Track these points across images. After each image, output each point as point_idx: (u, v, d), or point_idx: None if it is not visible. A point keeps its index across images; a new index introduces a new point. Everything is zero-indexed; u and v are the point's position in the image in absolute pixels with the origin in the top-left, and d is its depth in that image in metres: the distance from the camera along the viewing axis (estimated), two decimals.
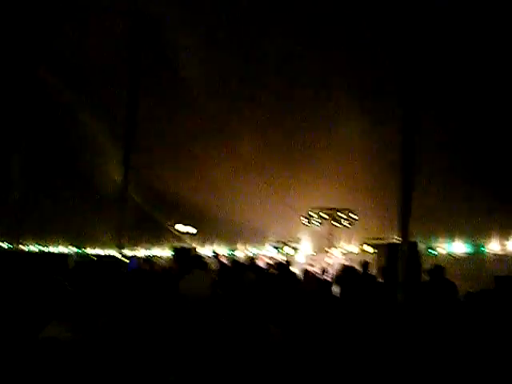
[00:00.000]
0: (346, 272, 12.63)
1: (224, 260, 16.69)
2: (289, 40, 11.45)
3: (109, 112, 15.70)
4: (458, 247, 16.26)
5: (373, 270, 12.88)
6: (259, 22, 11.26)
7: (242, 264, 13.71)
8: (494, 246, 15.47)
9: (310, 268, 16.19)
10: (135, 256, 26.79)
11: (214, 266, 12.63)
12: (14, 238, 19.17)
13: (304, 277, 12.58)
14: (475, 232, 15.68)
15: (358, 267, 13.69)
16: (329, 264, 17.42)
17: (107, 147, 18.05)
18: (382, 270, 12.31)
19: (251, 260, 14.28)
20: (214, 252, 14.46)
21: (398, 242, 8.29)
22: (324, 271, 14.14)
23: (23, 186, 18.03)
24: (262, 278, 12.80)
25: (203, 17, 11.65)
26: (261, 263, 18.85)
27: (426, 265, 13.57)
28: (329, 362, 6.22)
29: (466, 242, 16.11)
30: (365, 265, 12.82)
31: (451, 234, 16.25)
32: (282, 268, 13.19)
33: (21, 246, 20.97)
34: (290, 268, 12.93)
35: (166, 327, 6.80)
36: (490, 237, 15.53)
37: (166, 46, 13.07)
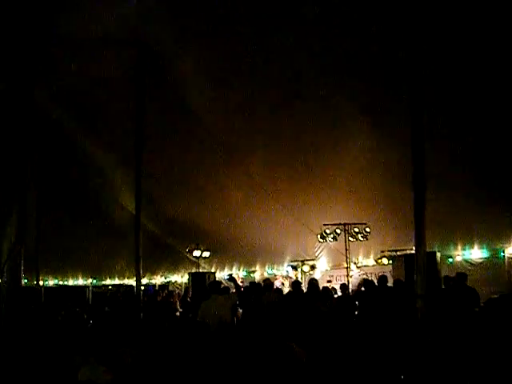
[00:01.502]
0: (363, 286, 12.58)
1: (240, 282, 16.68)
2: (297, 58, 11.50)
3: (119, 143, 15.80)
4: (476, 253, 16.15)
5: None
6: (264, 41, 11.33)
7: (259, 284, 13.69)
8: None
9: (328, 284, 16.18)
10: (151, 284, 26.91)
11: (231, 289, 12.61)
12: (32, 274, 19.22)
13: (322, 294, 12.50)
14: (493, 237, 15.58)
15: (375, 280, 13.62)
16: (348, 279, 17.37)
17: (119, 178, 18.14)
18: (400, 282, 12.28)
19: (267, 281, 14.24)
20: (230, 275, 14.41)
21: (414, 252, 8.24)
22: (345, 287, 14.07)
23: (38, 221, 18.14)
24: (282, 298, 12.78)
25: (210, 43, 11.75)
26: (278, 283, 18.86)
27: (444, 273, 13.53)
28: (351, 379, 6.19)
29: (483, 248, 16.00)
30: (381, 278, 12.77)
31: (468, 241, 16.15)
32: (297, 287, 13.15)
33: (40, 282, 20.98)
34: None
35: (188, 354, 6.79)
36: (508, 241, 15.42)
37: (171, 74, 13.17)
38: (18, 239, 6.50)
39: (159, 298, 17.84)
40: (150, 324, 13.12)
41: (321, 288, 13.19)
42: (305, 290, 13.08)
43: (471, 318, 10.28)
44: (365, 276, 18.39)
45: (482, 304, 11.51)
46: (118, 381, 5.07)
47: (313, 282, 12.64)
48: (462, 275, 11.91)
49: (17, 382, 5.11)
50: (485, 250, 16.00)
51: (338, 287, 15.04)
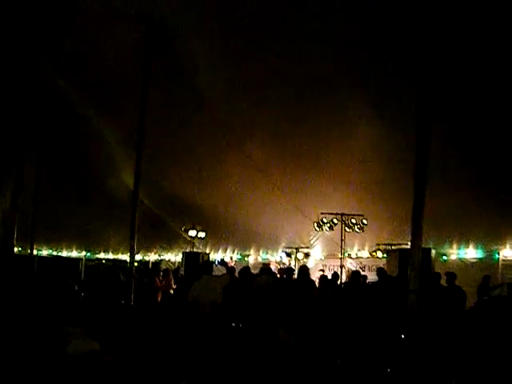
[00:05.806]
0: (353, 277, 12.59)
1: (232, 266, 16.64)
2: (303, 44, 11.45)
3: (121, 118, 15.75)
4: (471, 253, 16.15)
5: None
6: (273, 28, 11.27)
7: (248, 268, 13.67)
8: (507, 253, 15.35)
9: (321, 273, 16.18)
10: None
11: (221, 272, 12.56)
12: (27, 243, 19.25)
13: (320, 283, 12.47)
14: (488, 238, 15.57)
15: (368, 273, 13.63)
16: (340, 269, 17.38)
17: (119, 152, 18.11)
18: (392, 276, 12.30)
19: (265, 265, 14.20)
20: (221, 259, 14.36)
21: (409, 248, 8.25)
22: (336, 276, 14.05)
23: (36, 190, 18.13)
24: (277, 282, 12.77)
25: (217, 23, 11.67)
26: (273, 268, 18.85)
27: (438, 271, 13.53)
28: (336, 367, 6.21)
29: (478, 248, 15.99)
30: (380, 270, 12.80)
31: (464, 240, 16.14)
32: (291, 273, 13.14)
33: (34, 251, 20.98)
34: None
35: (177, 333, 6.81)
36: (504, 243, 15.40)
37: (178, 53, 13.10)
38: (13, 206, 6.48)
39: (160, 284, 15.76)
40: (142, 301, 13.13)
41: (317, 276, 13.18)
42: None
43: (460, 317, 10.31)
44: (358, 268, 18.42)
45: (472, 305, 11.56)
46: (107, 355, 5.05)
47: (303, 269, 12.57)
48: (450, 274, 11.99)
49: (3, 348, 5.11)
50: (480, 251, 15.99)
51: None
